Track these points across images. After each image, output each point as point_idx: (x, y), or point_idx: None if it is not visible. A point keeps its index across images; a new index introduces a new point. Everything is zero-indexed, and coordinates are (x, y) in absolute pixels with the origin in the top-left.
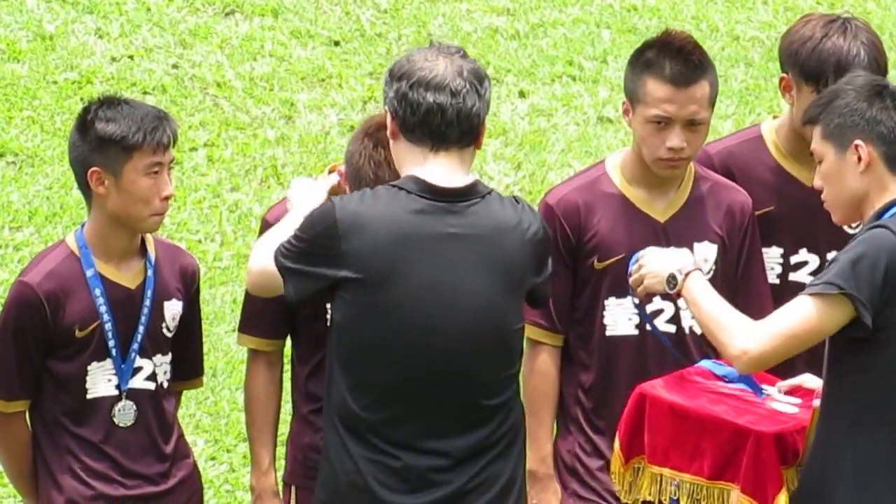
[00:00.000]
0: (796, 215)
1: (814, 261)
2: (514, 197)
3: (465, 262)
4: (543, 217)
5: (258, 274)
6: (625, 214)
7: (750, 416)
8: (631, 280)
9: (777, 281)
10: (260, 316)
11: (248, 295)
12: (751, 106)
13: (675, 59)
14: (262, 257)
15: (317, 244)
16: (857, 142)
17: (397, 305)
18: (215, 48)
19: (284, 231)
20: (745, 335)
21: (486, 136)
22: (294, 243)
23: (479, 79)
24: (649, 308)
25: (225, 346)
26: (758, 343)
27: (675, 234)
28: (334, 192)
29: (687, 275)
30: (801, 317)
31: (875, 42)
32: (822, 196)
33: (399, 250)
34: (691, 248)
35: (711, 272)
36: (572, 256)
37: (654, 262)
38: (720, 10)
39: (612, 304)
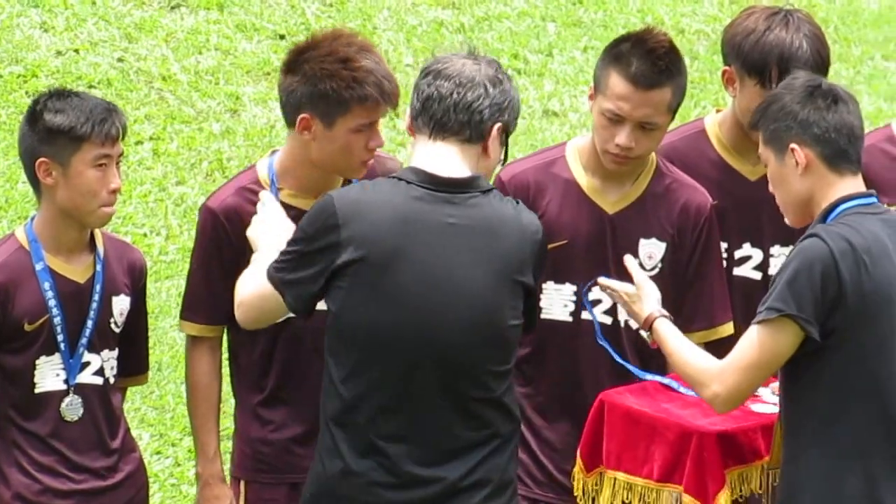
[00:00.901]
0: (740, 210)
1: (757, 255)
2: (515, 199)
3: (462, 252)
4: None
5: (250, 304)
6: (574, 201)
7: (715, 416)
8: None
9: None
10: (201, 302)
11: (188, 280)
12: (696, 99)
13: (643, 59)
14: (250, 287)
15: (317, 238)
16: (793, 145)
17: (394, 289)
18: (161, 42)
19: (261, 264)
20: (711, 379)
21: None
22: (289, 251)
23: (493, 81)
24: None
25: (170, 339)
26: (723, 384)
27: (622, 227)
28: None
29: (651, 326)
30: (754, 348)
31: (817, 34)
32: (777, 200)
33: (398, 235)
34: (636, 244)
35: (657, 269)
36: None
37: (628, 305)
38: (665, 4)
39: (549, 287)
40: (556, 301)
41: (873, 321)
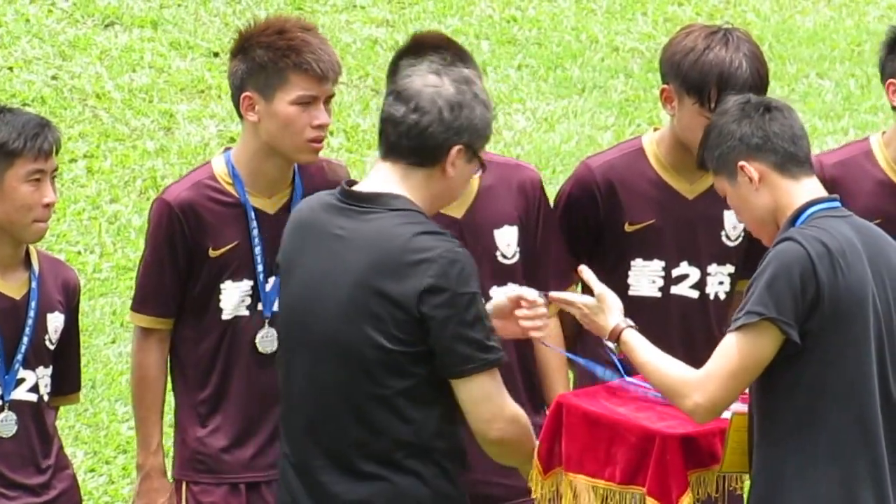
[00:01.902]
0: (677, 228)
1: (695, 273)
2: (436, 230)
3: (338, 263)
4: None
5: None
6: None
7: (671, 420)
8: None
9: (659, 294)
10: (152, 294)
11: (139, 273)
12: (630, 117)
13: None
14: None
15: None
16: (741, 163)
17: (290, 292)
18: (95, 59)
19: None
20: (691, 389)
21: (365, 147)
22: None
23: (451, 104)
24: None
25: (104, 357)
26: (705, 394)
27: (474, 227)
28: None
29: (618, 337)
30: (734, 354)
31: (756, 53)
32: (746, 226)
33: (297, 241)
34: (492, 237)
35: (516, 255)
36: None
37: (588, 318)
38: (600, 22)
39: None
40: None
41: (847, 324)
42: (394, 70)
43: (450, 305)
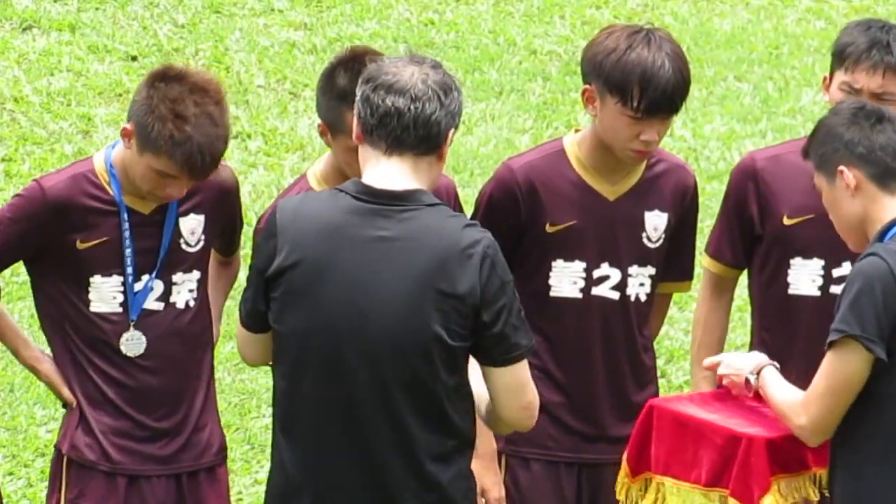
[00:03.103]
0: (598, 229)
1: (615, 275)
2: (465, 219)
3: (387, 265)
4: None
5: (241, 348)
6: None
7: (760, 426)
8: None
9: (580, 295)
10: None
11: None
12: (548, 120)
13: None
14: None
15: (261, 251)
16: (841, 167)
17: (319, 299)
18: (12, 63)
19: None
20: (797, 412)
21: (283, 151)
22: (247, 284)
23: (444, 89)
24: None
25: None
26: (808, 416)
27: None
28: None
29: (758, 374)
30: (827, 374)
31: (678, 53)
32: (835, 225)
33: (326, 245)
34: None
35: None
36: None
37: (730, 367)
38: (517, 25)
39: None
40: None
41: None
42: (330, 80)
43: (504, 294)
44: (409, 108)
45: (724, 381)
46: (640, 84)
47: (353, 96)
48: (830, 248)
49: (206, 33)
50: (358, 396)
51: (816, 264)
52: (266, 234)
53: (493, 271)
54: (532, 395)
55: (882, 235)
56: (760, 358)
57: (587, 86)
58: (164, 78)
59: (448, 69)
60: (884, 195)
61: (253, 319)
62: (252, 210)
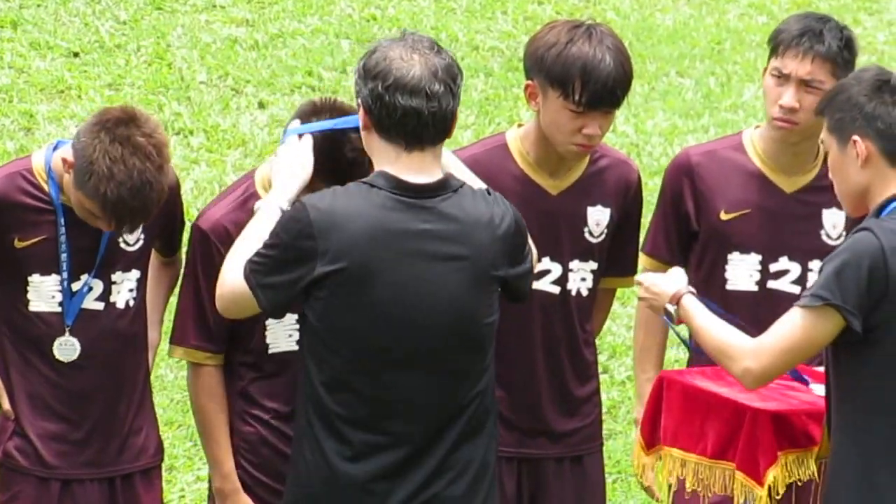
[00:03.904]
0: (540, 224)
1: (556, 269)
2: (487, 189)
3: (437, 258)
4: (199, 239)
5: (230, 299)
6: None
7: (772, 401)
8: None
9: None
10: None
11: None
12: (490, 116)
13: None
14: (229, 281)
15: (292, 248)
16: (855, 137)
17: (373, 300)
18: None
19: (254, 238)
20: (744, 355)
21: (226, 147)
22: (265, 254)
23: (452, 77)
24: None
25: None
26: (758, 362)
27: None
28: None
29: (678, 301)
30: (792, 331)
31: (620, 47)
32: (835, 187)
33: (374, 246)
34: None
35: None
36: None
37: (650, 292)
38: (460, 20)
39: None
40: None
41: None
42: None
43: (526, 263)
44: (426, 108)
45: (644, 306)
46: (582, 77)
47: None
48: (767, 242)
49: (147, 29)
50: (410, 392)
51: (754, 259)
52: (299, 233)
53: (520, 241)
54: None
55: (880, 210)
56: (680, 282)
57: (529, 81)
58: (112, 132)
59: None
60: (890, 171)
61: (279, 308)
62: (194, 206)
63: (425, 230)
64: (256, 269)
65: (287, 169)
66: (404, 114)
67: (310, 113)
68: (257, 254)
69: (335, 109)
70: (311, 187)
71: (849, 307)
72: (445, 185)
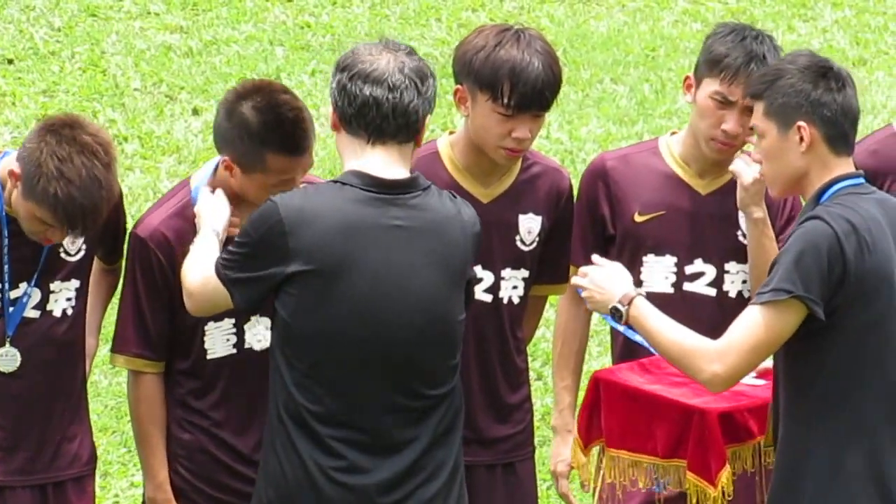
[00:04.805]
0: None
1: (489, 278)
2: (451, 193)
3: (410, 253)
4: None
5: (200, 295)
6: None
7: (707, 396)
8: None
9: None
10: None
11: None
12: None
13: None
14: (196, 278)
15: (262, 245)
16: (801, 123)
17: (346, 297)
18: None
19: (208, 247)
20: (711, 359)
21: (160, 154)
22: (236, 251)
23: (420, 76)
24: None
25: None
26: (724, 365)
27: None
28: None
29: (630, 303)
30: (757, 328)
31: (549, 50)
32: (762, 170)
33: (347, 242)
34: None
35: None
36: (176, 284)
37: (596, 286)
38: (394, 27)
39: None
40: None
41: (873, 300)
42: (231, 109)
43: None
44: (387, 98)
45: (583, 294)
46: (510, 79)
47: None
48: (682, 244)
49: (82, 36)
50: (381, 389)
51: (669, 261)
52: (270, 230)
53: (479, 244)
54: None
55: (819, 196)
56: (628, 284)
57: (459, 85)
58: (57, 133)
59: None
60: (830, 156)
61: (251, 303)
62: (129, 213)
63: (397, 225)
64: (228, 266)
65: (210, 207)
66: (364, 102)
67: (236, 99)
68: (228, 251)
69: (258, 90)
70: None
71: (812, 296)
72: (415, 183)
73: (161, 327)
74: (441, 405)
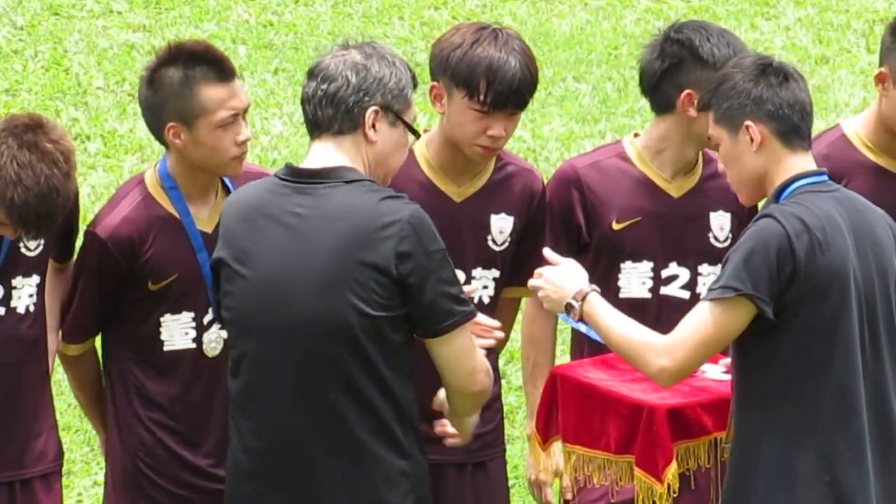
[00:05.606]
0: (444, 231)
1: (460, 277)
2: (395, 194)
3: (304, 240)
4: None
5: None
6: (175, 237)
7: (664, 391)
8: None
9: None
10: None
11: None
12: None
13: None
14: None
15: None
16: (747, 122)
17: (248, 280)
18: None
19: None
20: (658, 354)
21: (123, 152)
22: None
23: (354, 68)
24: None
25: None
26: (672, 359)
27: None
28: None
29: (583, 299)
30: (705, 325)
31: (525, 49)
32: (728, 178)
33: (247, 228)
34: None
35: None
36: (131, 280)
37: (552, 285)
38: (356, 26)
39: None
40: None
41: (825, 298)
42: (151, 78)
43: (427, 264)
44: (318, 90)
45: (539, 294)
46: (487, 77)
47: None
48: (658, 249)
49: (45, 35)
50: (286, 376)
51: (646, 266)
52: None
53: (415, 241)
54: (476, 361)
55: (778, 195)
56: (582, 280)
57: (435, 83)
58: (20, 137)
59: (388, 51)
60: (786, 152)
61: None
62: (91, 212)
63: (296, 213)
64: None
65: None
66: (304, 98)
67: (155, 68)
68: None
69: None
70: None
71: (760, 295)
72: (333, 174)
73: (99, 320)
74: (355, 404)
